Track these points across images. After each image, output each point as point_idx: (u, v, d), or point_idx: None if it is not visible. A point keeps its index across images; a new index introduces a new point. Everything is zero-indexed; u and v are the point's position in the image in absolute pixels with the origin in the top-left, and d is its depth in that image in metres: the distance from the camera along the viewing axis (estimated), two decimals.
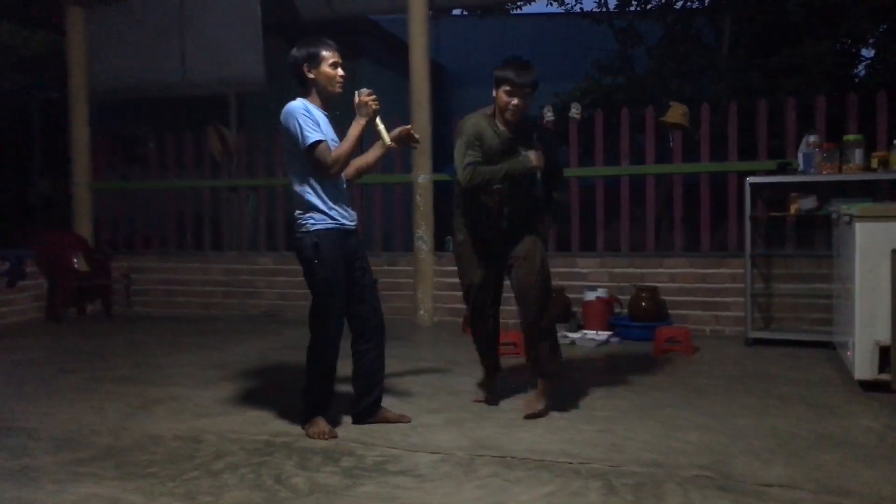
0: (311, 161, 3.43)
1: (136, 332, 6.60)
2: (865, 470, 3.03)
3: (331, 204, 3.51)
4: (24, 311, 7.11)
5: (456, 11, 14.01)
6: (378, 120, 3.50)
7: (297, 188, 3.52)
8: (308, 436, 3.51)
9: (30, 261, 7.22)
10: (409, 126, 3.79)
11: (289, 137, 3.47)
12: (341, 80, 3.54)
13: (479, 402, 4.11)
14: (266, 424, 3.75)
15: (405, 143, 3.77)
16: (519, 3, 13.34)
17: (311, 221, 3.49)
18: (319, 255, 3.47)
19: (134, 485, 2.96)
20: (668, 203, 6.93)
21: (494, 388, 4.18)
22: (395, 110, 8.44)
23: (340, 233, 3.53)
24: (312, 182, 3.49)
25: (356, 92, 3.48)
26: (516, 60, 3.74)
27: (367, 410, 3.74)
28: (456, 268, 4.10)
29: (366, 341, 3.70)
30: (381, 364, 3.77)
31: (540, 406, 3.85)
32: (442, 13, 12.20)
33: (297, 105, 3.46)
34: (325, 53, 3.49)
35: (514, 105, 3.70)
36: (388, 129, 3.57)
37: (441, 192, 7.07)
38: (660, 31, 11.52)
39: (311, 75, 3.51)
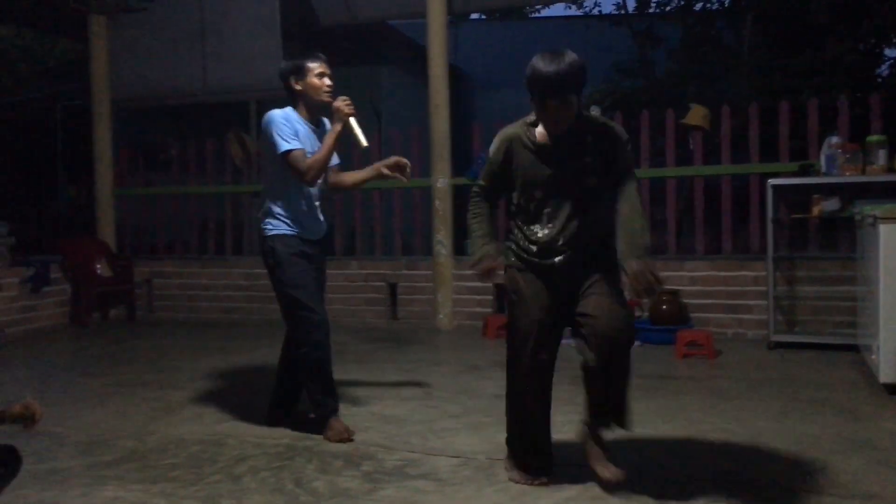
0: (285, 168, 3.52)
1: (159, 337, 6.66)
2: (891, 474, 2.99)
3: (292, 213, 3.59)
4: (49, 317, 7.20)
5: (474, 15, 14.03)
6: (353, 122, 3.55)
7: (264, 193, 3.66)
8: (327, 440, 3.51)
9: (54, 267, 7.32)
10: (404, 160, 3.79)
11: (266, 144, 3.57)
12: (328, 89, 3.60)
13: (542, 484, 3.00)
14: (287, 429, 3.76)
15: (398, 170, 3.77)
16: (537, 7, 13.33)
17: (270, 227, 3.59)
18: (277, 258, 3.56)
19: (157, 488, 2.99)
20: (689, 205, 6.89)
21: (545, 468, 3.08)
22: (415, 115, 8.50)
23: (297, 240, 3.59)
24: (279, 188, 3.59)
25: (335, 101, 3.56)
26: (548, 53, 2.71)
27: (290, 411, 3.86)
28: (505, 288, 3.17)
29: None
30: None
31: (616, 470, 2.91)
32: (460, 18, 12.22)
33: (277, 113, 3.57)
34: (310, 65, 3.59)
35: (552, 116, 2.75)
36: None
37: (461, 196, 7.08)
38: (679, 32, 11.47)
39: (297, 87, 3.61)
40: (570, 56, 2.68)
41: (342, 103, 3.51)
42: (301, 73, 3.59)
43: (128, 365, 5.49)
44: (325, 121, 3.74)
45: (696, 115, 6.38)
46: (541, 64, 2.67)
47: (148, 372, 5.23)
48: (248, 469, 3.20)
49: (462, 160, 7.22)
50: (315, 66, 3.58)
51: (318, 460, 3.30)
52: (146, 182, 8.53)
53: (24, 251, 7.83)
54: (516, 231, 3.02)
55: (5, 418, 2.61)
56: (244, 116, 9.57)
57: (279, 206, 3.59)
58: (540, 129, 2.87)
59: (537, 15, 14.74)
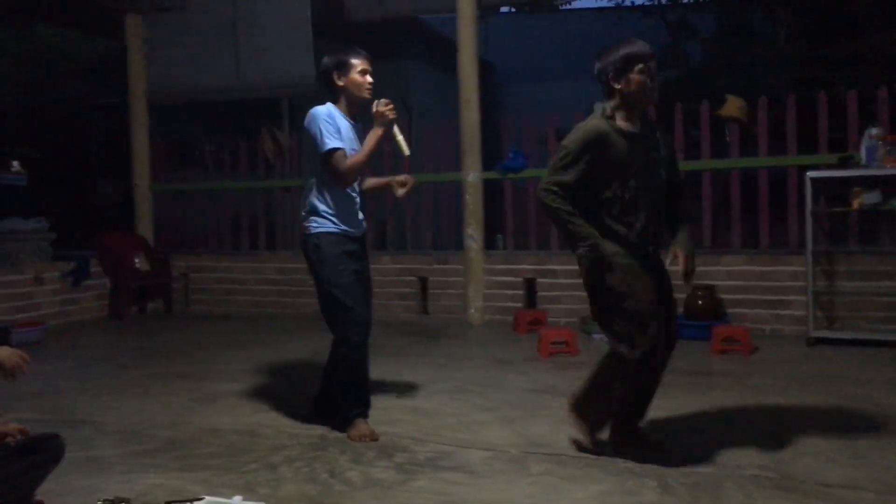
0: (327, 167, 3.50)
1: (194, 330, 6.76)
2: None
3: (336, 210, 3.56)
4: (88, 310, 7.35)
5: (504, 9, 13.95)
6: (396, 130, 3.51)
7: (307, 190, 3.63)
8: (350, 439, 3.47)
9: (94, 261, 7.46)
10: (412, 180, 3.80)
11: (309, 140, 3.55)
12: (370, 86, 3.58)
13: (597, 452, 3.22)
14: (321, 420, 3.79)
15: (402, 185, 3.77)
16: None
17: (314, 225, 3.57)
18: (321, 255, 3.53)
19: (195, 476, 3.05)
20: (725, 199, 6.79)
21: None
22: (444, 109, 8.49)
23: (342, 237, 3.57)
24: (323, 186, 3.57)
25: (374, 102, 3.53)
26: (626, 39, 3.09)
27: (331, 408, 3.79)
28: (594, 283, 3.11)
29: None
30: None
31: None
32: (490, 11, 12.18)
33: (322, 110, 3.53)
34: (354, 61, 3.55)
35: (653, 86, 3.01)
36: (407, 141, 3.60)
37: (491, 190, 7.07)
38: (714, 23, 11.31)
39: (340, 82, 3.57)
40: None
41: (385, 108, 3.47)
42: (344, 68, 3.55)
43: (165, 357, 5.58)
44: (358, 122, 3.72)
45: (732, 106, 6.28)
46: (630, 43, 3.04)
47: (184, 364, 5.31)
48: (284, 459, 3.24)
49: (492, 154, 7.21)
50: (358, 63, 3.55)
51: (352, 451, 3.32)
52: (182, 178, 8.65)
53: (63, 246, 8.00)
54: (609, 222, 3.05)
55: None
56: (276, 112, 9.65)
57: (324, 204, 3.56)
58: (621, 120, 3.05)
59: (568, 7, 14.60)
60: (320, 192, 3.57)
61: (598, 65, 3.09)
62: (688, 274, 3.08)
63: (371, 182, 3.89)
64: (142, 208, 8.18)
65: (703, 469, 3.02)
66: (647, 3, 12.04)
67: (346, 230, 3.58)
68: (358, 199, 3.68)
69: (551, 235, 6.81)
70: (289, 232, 8.04)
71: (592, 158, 2.99)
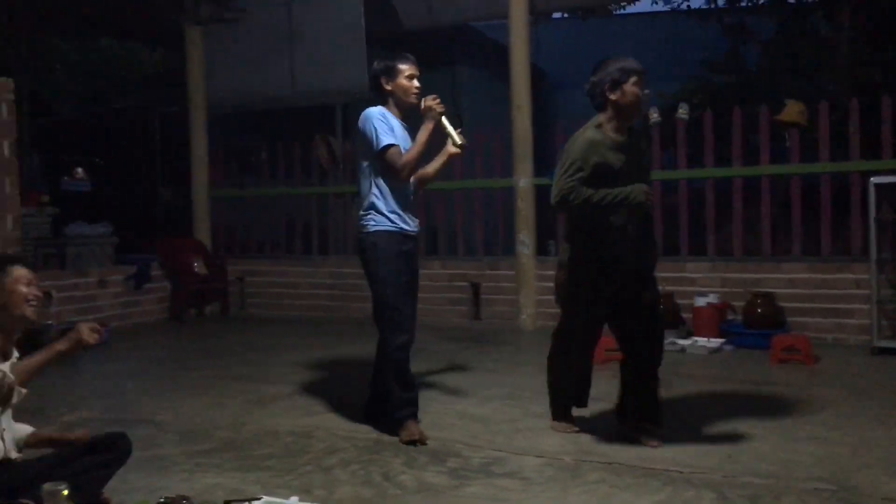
0: (383, 164, 3.56)
1: (250, 333, 6.89)
2: None
3: (393, 208, 3.61)
4: (150, 312, 7.56)
5: (557, 14, 13.90)
6: (444, 121, 3.57)
7: (364, 190, 3.67)
8: (401, 441, 3.49)
9: (154, 265, 7.67)
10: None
11: (364, 140, 3.62)
12: (416, 91, 3.66)
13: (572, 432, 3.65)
14: (374, 423, 3.83)
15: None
16: (622, 4, 13.09)
17: (372, 223, 3.61)
18: (378, 254, 3.58)
19: (253, 476, 3.11)
20: (785, 205, 6.63)
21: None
22: (496, 115, 8.50)
23: (399, 236, 3.61)
24: (379, 185, 3.61)
25: (422, 99, 3.59)
26: (617, 56, 3.44)
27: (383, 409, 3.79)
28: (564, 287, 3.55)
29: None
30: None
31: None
32: (542, 17, 12.14)
33: (375, 110, 3.62)
34: (401, 66, 3.64)
35: (644, 95, 3.36)
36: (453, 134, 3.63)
37: (543, 196, 7.04)
38: (773, 26, 11.06)
39: (388, 87, 3.66)
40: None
41: (433, 102, 3.56)
42: (392, 73, 3.64)
43: (222, 359, 5.71)
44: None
45: (792, 111, 6.15)
46: (623, 58, 3.35)
47: (241, 366, 5.42)
48: (339, 461, 3.28)
49: (544, 160, 7.18)
50: (405, 68, 3.64)
51: (405, 455, 3.35)
52: (238, 184, 8.84)
53: (125, 251, 8.25)
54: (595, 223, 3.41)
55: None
56: (330, 119, 9.79)
57: (381, 202, 3.60)
58: (611, 130, 3.35)
59: (622, 12, 14.45)
60: (377, 191, 3.62)
61: (593, 78, 3.38)
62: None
63: (429, 169, 3.85)
64: (200, 214, 8.38)
65: (761, 480, 2.95)
66: (704, 7, 11.82)
67: (403, 228, 3.63)
68: (413, 198, 3.73)
69: None
70: (341, 237, 8.14)
71: (590, 164, 3.29)
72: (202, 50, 8.37)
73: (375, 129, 3.55)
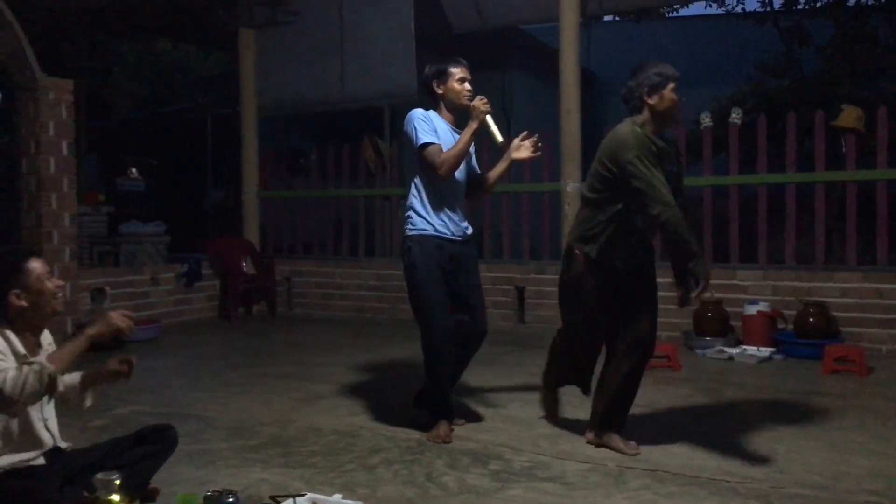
0: (422, 162, 3.57)
1: (297, 332, 6.98)
2: None
3: (433, 211, 3.60)
4: (200, 310, 7.72)
5: (608, 17, 13.77)
6: (489, 120, 3.54)
7: (409, 193, 3.71)
8: (427, 438, 3.55)
9: (205, 264, 7.84)
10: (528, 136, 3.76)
11: (407, 141, 3.65)
12: (468, 94, 3.64)
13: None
14: (418, 424, 3.84)
15: (530, 151, 3.73)
16: (675, 6, 12.91)
17: (410, 226, 3.63)
18: (412, 259, 3.59)
19: (297, 473, 3.15)
20: (840, 213, 6.46)
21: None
22: (544, 119, 8.46)
23: (437, 240, 3.59)
24: (420, 187, 3.63)
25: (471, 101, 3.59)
26: (653, 61, 3.37)
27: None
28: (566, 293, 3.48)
29: (458, 347, 3.72)
30: (461, 369, 3.87)
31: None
32: (594, 20, 12.06)
33: (418, 111, 3.64)
34: (452, 70, 3.65)
35: (680, 105, 3.29)
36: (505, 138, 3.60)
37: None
38: (831, 29, 10.78)
39: (439, 90, 3.68)
40: None
41: (479, 102, 3.55)
42: (443, 77, 3.66)
43: (269, 357, 5.80)
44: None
45: (849, 116, 5.99)
46: (661, 63, 3.28)
47: (287, 364, 5.50)
48: (382, 460, 3.30)
49: (590, 166, 7.11)
50: (456, 72, 3.65)
51: (448, 456, 3.36)
52: (287, 185, 8.97)
53: (177, 249, 8.44)
54: (630, 228, 3.32)
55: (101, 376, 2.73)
56: (378, 122, 9.86)
57: (420, 205, 3.63)
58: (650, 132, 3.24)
59: (675, 15, 14.25)
60: (419, 195, 3.65)
61: (631, 82, 3.29)
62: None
63: (495, 173, 3.84)
64: (250, 214, 8.53)
65: (809, 492, 2.88)
66: (759, 10, 11.58)
67: (441, 233, 3.61)
68: (458, 202, 3.71)
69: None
70: (387, 239, 8.20)
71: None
72: (255, 53, 8.52)
73: (416, 128, 3.58)
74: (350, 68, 8.11)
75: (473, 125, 3.56)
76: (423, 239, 3.60)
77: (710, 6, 12.82)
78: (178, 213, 11.50)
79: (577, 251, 3.35)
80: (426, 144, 3.55)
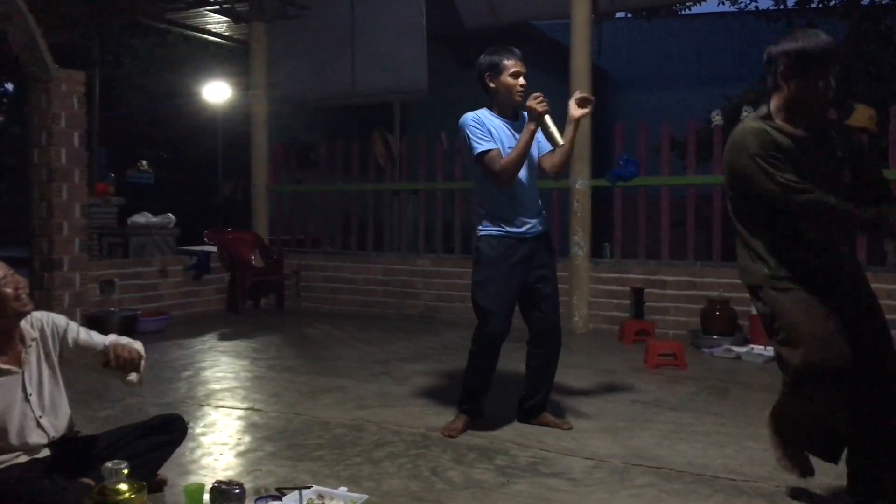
0: (482, 171, 3.50)
1: (305, 326, 7.00)
2: None
3: (498, 212, 3.55)
4: (208, 303, 7.75)
5: (620, 14, 13.73)
6: (548, 119, 3.42)
7: (474, 195, 3.67)
8: (441, 432, 3.58)
9: (214, 256, 7.86)
10: (580, 95, 3.59)
11: (464, 148, 3.58)
12: (521, 88, 3.49)
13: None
14: (423, 419, 3.86)
15: (583, 105, 3.57)
16: (687, 4, 12.86)
17: (480, 227, 3.62)
18: (479, 257, 3.59)
19: (304, 465, 3.17)
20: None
21: None
22: (555, 115, 8.47)
23: (505, 240, 3.55)
24: (482, 190, 3.59)
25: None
26: (802, 30, 2.63)
27: (528, 411, 3.77)
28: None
29: (536, 346, 3.73)
30: (548, 369, 3.76)
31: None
32: (605, 16, 12.03)
33: (469, 116, 3.53)
34: (506, 63, 3.47)
35: (827, 92, 2.55)
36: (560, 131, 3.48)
37: (599, 197, 6.98)
38: (845, 28, 10.72)
39: (492, 84, 3.53)
40: (823, 33, 2.57)
41: (535, 102, 3.39)
42: (496, 70, 3.49)
43: (277, 350, 5.82)
44: (526, 115, 3.58)
45: (861, 116, 5.95)
46: (809, 39, 2.53)
47: (294, 358, 5.52)
48: (387, 454, 3.32)
49: (602, 162, 7.11)
50: (510, 65, 3.47)
51: (453, 451, 3.37)
52: (297, 179, 8.99)
53: (186, 242, 8.48)
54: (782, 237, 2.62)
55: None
56: (389, 117, 9.88)
57: (486, 207, 3.57)
58: (781, 120, 2.60)
59: (687, 12, 14.19)
60: (481, 196, 3.60)
61: (774, 50, 2.64)
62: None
63: (566, 138, 3.53)
64: (258, 208, 8.56)
65: (815, 492, 2.88)
66: (772, 9, 11.53)
67: (508, 231, 3.55)
68: (526, 199, 3.59)
69: (661, 245, 6.65)
70: (396, 234, 8.21)
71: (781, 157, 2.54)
72: (265, 46, 8.54)
73: (469, 136, 3.46)
74: (360, 63, 8.12)
75: (531, 127, 3.41)
76: (492, 238, 3.55)
77: (723, 4, 12.77)
78: (187, 206, 11.55)
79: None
80: (483, 153, 3.43)
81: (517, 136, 3.52)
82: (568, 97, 7.04)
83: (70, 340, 2.69)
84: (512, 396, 4.29)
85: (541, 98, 3.40)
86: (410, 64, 7.75)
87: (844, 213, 2.52)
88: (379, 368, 5.16)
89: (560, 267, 6.94)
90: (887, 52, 10.30)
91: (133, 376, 2.63)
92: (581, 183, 6.82)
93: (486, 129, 3.48)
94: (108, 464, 2.25)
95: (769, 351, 5.50)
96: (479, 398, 3.72)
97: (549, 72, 11.78)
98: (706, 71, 14.28)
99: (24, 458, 2.53)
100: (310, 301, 8.23)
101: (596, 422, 3.84)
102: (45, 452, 2.59)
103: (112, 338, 2.74)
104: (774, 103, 2.63)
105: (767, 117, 2.63)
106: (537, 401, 3.76)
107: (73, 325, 2.75)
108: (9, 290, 2.48)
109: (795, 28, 2.65)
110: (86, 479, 2.52)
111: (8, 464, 2.49)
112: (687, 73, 14.76)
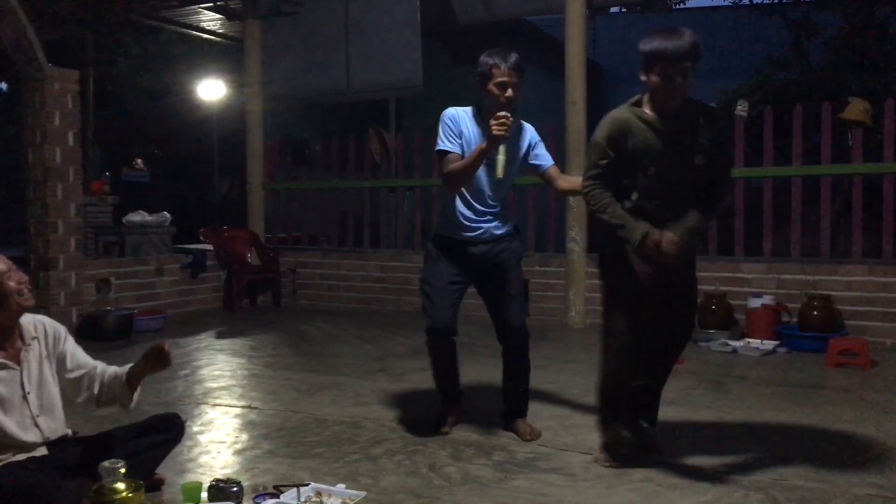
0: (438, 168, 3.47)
1: (301, 323, 7.00)
2: None
3: (451, 213, 3.48)
4: (204, 301, 7.74)
5: (614, 8, 13.73)
6: (501, 150, 3.18)
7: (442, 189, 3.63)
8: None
9: (210, 254, 7.85)
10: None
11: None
12: (506, 101, 3.27)
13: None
14: (420, 415, 3.86)
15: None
16: None
17: (435, 225, 3.61)
18: (427, 253, 3.59)
19: (302, 463, 3.17)
20: (846, 206, 6.44)
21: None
22: (549, 111, 8.45)
23: (454, 241, 3.49)
24: (441, 188, 3.55)
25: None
26: (665, 30, 2.96)
27: (503, 415, 3.68)
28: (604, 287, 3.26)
29: (505, 350, 3.68)
30: (516, 372, 3.66)
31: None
32: (600, 11, 12.02)
33: (448, 112, 3.45)
34: (495, 71, 3.29)
35: (672, 88, 2.91)
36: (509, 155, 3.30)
37: None
38: (839, 21, 10.72)
39: (481, 90, 3.39)
40: (688, 31, 2.93)
41: (494, 122, 3.13)
42: (485, 76, 3.32)
43: (274, 348, 5.82)
44: (524, 124, 3.55)
45: (856, 109, 5.97)
46: (662, 38, 2.92)
47: (291, 355, 5.52)
48: (385, 451, 3.32)
49: None
50: (498, 74, 3.28)
51: (451, 447, 3.37)
52: (292, 177, 8.97)
53: (182, 240, 8.46)
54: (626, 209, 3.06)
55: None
56: (384, 113, 9.87)
57: (444, 207, 3.55)
58: (648, 108, 3.02)
59: (682, 6, 14.18)
60: (442, 194, 3.57)
61: (639, 46, 3.00)
62: (664, 254, 2.96)
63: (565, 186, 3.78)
64: (254, 205, 8.54)
65: (812, 484, 2.89)
66: (767, 2, 11.52)
67: (459, 234, 3.47)
68: (483, 205, 3.46)
69: None
70: (392, 231, 8.20)
71: (618, 146, 3.01)
72: (259, 43, 8.51)
73: (440, 132, 3.39)
74: (355, 60, 8.10)
75: (483, 146, 3.21)
76: (439, 238, 3.53)
77: None
78: (183, 204, 11.52)
79: None
80: (442, 152, 3.35)
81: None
82: (564, 92, 7.08)
83: (69, 351, 2.72)
84: (502, 393, 4.29)
85: (503, 120, 3.11)
86: (405, 60, 7.73)
87: (604, 220, 3.04)
88: (376, 365, 5.16)
89: (557, 262, 7.01)
90: (881, 44, 10.30)
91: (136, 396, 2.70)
92: (577, 177, 6.80)
93: (459, 131, 3.37)
94: (106, 463, 2.25)
95: (766, 345, 5.52)
96: (449, 389, 3.67)
97: (544, 67, 11.79)
98: (701, 65, 14.29)
99: (22, 456, 2.52)
100: (306, 298, 8.22)
101: (593, 416, 3.83)
102: (43, 451, 2.59)
103: (102, 364, 2.76)
104: (639, 97, 3.07)
105: (637, 104, 3.06)
106: (508, 405, 3.68)
107: (71, 337, 2.77)
108: (12, 284, 2.49)
109: (660, 28, 2.99)
110: (83, 479, 2.51)
111: (5, 461, 2.49)
112: None
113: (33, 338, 2.62)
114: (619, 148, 3.01)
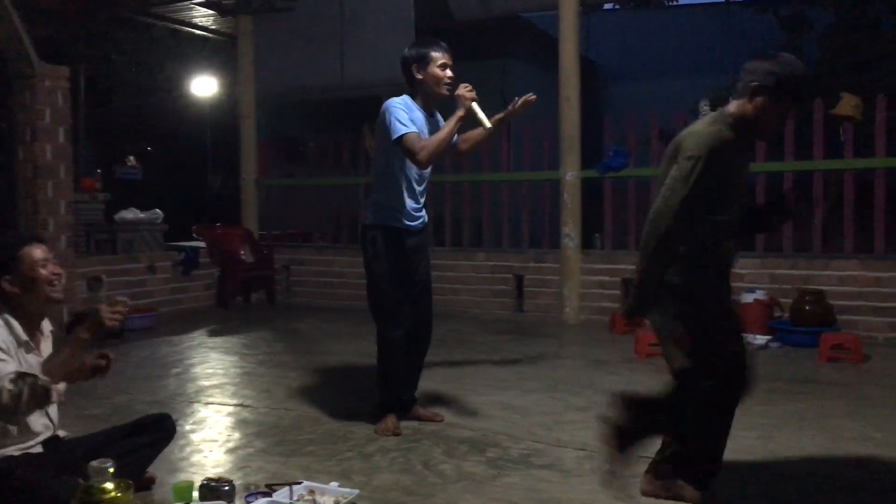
0: (402, 153, 3.44)
1: (295, 321, 6.98)
2: None
3: (397, 203, 3.51)
4: (197, 298, 7.71)
5: (608, 5, 13.71)
6: (475, 107, 3.43)
7: (373, 182, 3.64)
8: (375, 432, 3.50)
9: (203, 252, 7.82)
10: (522, 99, 3.62)
11: (382, 130, 3.50)
12: (449, 81, 3.49)
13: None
14: (414, 412, 3.85)
15: (524, 109, 3.65)
16: None
17: (374, 217, 3.55)
18: (376, 248, 3.53)
19: (294, 461, 3.16)
20: (838, 201, 6.45)
21: None
22: (544, 107, 8.46)
23: (399, 231, 3.52)
24: (388, 179, 3.53)
25: (459, 87, 3.46)
26: (795, 59, 2.63)
27: (404, 406, 3.70)
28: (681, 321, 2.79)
29: (414, 340, 3.68)
30: (422, 362, 3.81)
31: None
32: (593, 8, 12.00)
33: (396, 99, 3.49)
34: (434, 54, 3.47)
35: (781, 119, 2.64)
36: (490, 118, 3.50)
37: (589, 189, 6.98)
38: (831, 18, 10.75)
39: (419, 76, 3.49)
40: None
41: (464, 90, 3.41)
42: (424, 61, 3.48)
43: (267, 346, 5.80)
44: (438, 115, 3.65)
45: (847, 104, 5.98)
46: (797, 65, 2.57)
47: (285, 353, 5.51)
48: (378, 449, 3.31)
49: (591, 153, 7.11)
50: (438, 57, 3.48)
51: (445, 444, 3.36)
52: (286, 173, 8.94)
53: (174, 237, 8.42)
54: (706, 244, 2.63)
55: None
56: (378, 110, 9.85)
57: (386, 197, 3.53)
58: (732, 132, 2.57)
59: (675, 3, 14.20)
60: (384, 184, 3.55)
61: (748, 65, 2.67)
62: None
63: (470, 137, 3.75)
64: (248, 202, 8.51)
65: (805, 477, 2.89)
66: None
67: (404, 223, 3.53)
68: (422, 194, 3.62)
69: None
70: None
71: (716, 170, 2.51)
72: (253, 40, 8.48)
73: (393, 119, 3.41)
74: (349, 56, 8.07)
75: (460, 113, 3.43)
76: (389, 230, 3.52)
77: None
78: (176, 201, 11.48)
79: None
80: (402, 136, 3.38)
81: (429, 131, 3.49)
82: (557, 89, 7.06)
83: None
84: (496, 390, 4.30)
85: (470, 87, 3.42)
86: (399, 57, 7.70)
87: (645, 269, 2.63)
88: (369, 362, 5.12)
89: (551, 258, 7.01)
90: (874, 40, 10.33)
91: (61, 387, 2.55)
92: (571, 174, 6.81)
93: (411, 116, 3.44)
94: (94, 462, 2.23)
95: (759, 339, 5.53)
96: (393, 391, 3.65)
97: (538, 63, 11.78)
98: (694, 62, 14.32)
99: (14, 450, 2.51)
100: (300, 296, 8.20)
101: (587, 412, 3.84)
102: (38, 449, 2.58)
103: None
104: (734, 108, 2.62)
105: (730, 124, 2.59)
106: (412, 395, 3.75)
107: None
108: (44, 272, 2.52)
109: (782, 53, 2.70)
110: (71, 478, 2.50)
111: (24, 451, 2.51)
112: (675, 63, 14.78)
113: (51, 331, 2.67)
114: (717, 173, 2.51)
